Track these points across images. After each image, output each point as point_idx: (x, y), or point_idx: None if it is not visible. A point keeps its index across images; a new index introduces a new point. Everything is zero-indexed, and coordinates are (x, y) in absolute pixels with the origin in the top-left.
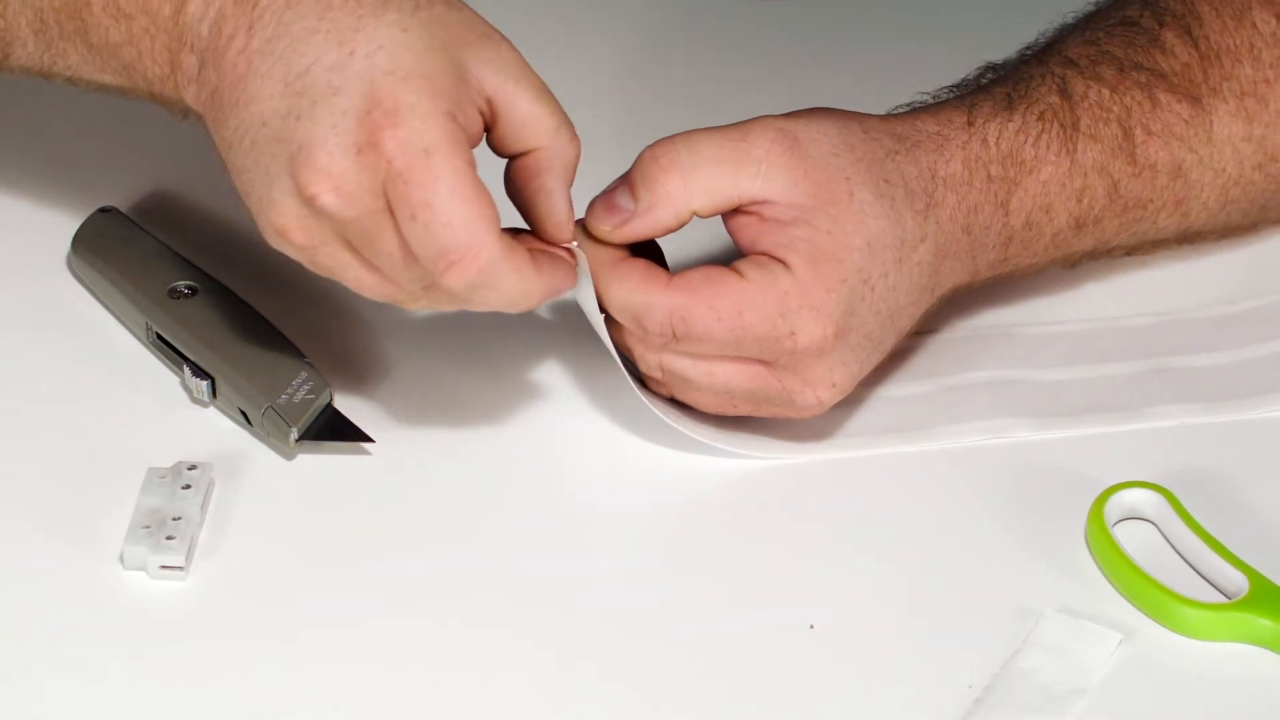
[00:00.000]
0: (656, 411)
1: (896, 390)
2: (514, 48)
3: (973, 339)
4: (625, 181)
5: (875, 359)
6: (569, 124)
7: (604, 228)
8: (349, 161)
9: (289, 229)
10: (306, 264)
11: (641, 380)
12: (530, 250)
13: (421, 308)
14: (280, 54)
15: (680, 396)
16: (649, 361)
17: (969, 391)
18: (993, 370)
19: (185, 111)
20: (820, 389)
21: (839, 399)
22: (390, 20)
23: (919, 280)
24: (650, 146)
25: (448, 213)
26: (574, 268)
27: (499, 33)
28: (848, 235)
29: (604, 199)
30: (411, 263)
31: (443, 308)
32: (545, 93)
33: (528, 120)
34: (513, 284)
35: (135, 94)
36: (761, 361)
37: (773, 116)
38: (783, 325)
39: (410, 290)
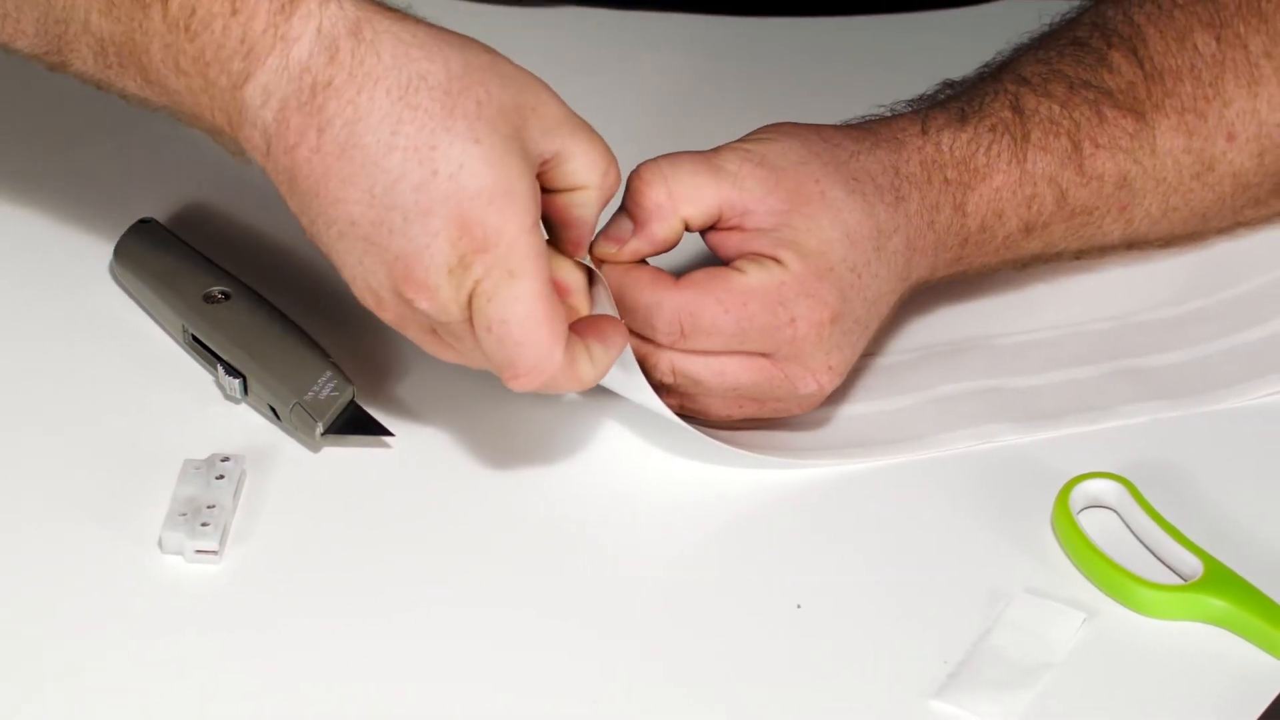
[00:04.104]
0: (673, 415)
1: (887, 404)
2: (559, 100)
3: (952, 352)
4: (620, 209)
5: (863, 344)
6: (615, 162)
7: (610, 250)
8: (443, 279)
9: (382, 308)
10: None
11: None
12: (583, 335)
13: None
14: (361, 163)
15: (690, 405)
16: (661, 367)
17: (954, 401)
18: (973, 380)
19: (239, 153)
20: (819, 374)
21: (835, 384)
22: (461, 132)
23: (895, 269)
24: (635, 169)
25: (522, 333)
26: (620, 349)
27: (545, 89)
28: (825, 230)
29: (605, 229)
30: (486, 359)
31: None
32: (595, 140)
33: (580, 169)
34: (570, 385)
35: (193, 127)
36: (764, 354)
37: (736, 142)
38: (783, 313)
39: (483, 367)
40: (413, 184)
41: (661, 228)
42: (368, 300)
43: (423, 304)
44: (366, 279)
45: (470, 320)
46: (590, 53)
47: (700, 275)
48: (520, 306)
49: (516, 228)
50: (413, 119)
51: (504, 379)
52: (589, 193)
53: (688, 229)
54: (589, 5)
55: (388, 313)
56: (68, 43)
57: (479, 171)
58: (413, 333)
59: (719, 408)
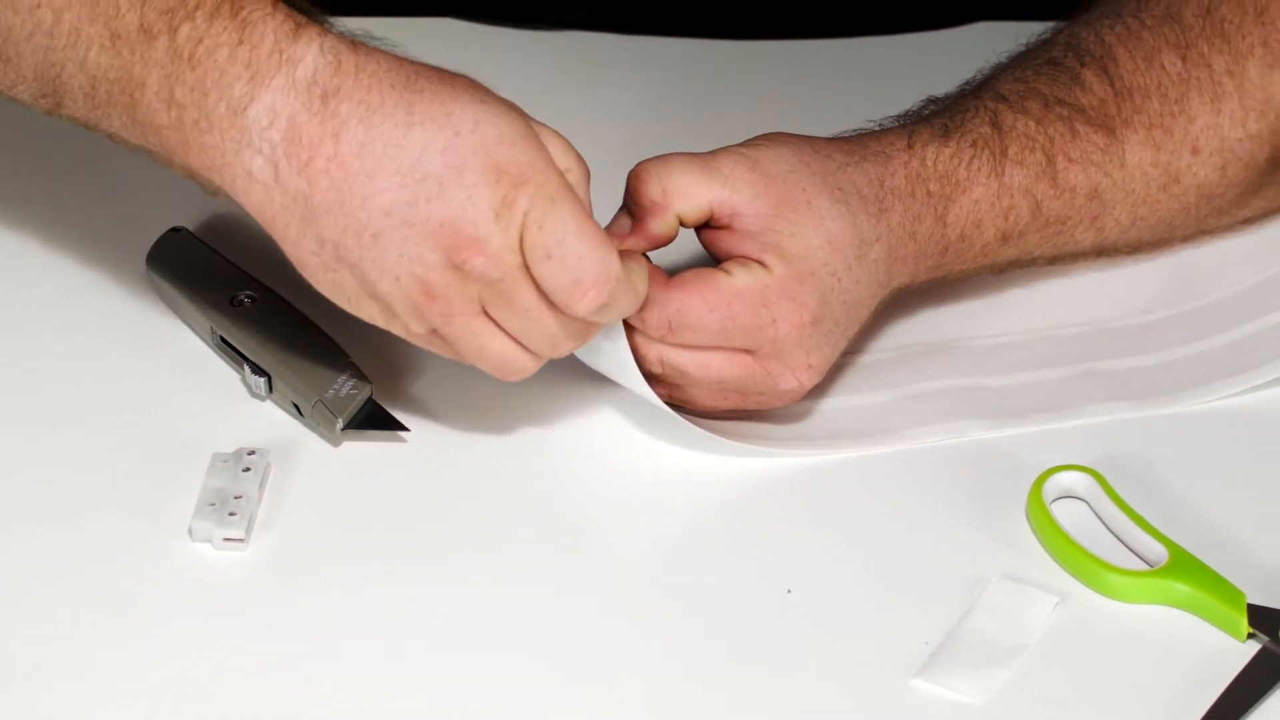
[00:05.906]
0: (667, 408)
1: (865, 399)
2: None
3: (928, 352)
4: (622, 207)
5: (842, 344)
6: (580, 157)
7: None
8: (490, 226)
9: (430, 298)
10: (432, 339)
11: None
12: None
13: (529, 369)
14: (382, 152)
15: (678, 394)
16: (650, 358)
17: (929, 398)
18: (948, 379)
19: (216, 192)
20: (799, 371)
21: (815, 381)
22: (468, 99)
23: (876, 276)
24: (633, 168)
25: (580, 248)
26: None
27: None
28: (809, 236)
29: (607, 226)
30: (544, 312)
31: (557, 355)
32: (558, 133)
33: (557, 153)
34: (629, 299)
35: (170, 167)
36: (747, 351)
37: (733, 146)
38: (765, 314)
39: (535, 346)
40: (439, 149)
41: (657, 223)
42: (413, 297)
43: (477, 261)
44: (411, 269)
45: (524, 265)
46: (591, 73)
47: (689, 275)
48: (572, 223)
49: (545, 161)
50: (421, 99)
51: (571, 303)
52: (572, 174)
53: (683, 225)
54: (590, 29)
55: (436, 303)
56: (61, 84)
57: (496, 122)
58: (460, 325)
59: (705, 398)
